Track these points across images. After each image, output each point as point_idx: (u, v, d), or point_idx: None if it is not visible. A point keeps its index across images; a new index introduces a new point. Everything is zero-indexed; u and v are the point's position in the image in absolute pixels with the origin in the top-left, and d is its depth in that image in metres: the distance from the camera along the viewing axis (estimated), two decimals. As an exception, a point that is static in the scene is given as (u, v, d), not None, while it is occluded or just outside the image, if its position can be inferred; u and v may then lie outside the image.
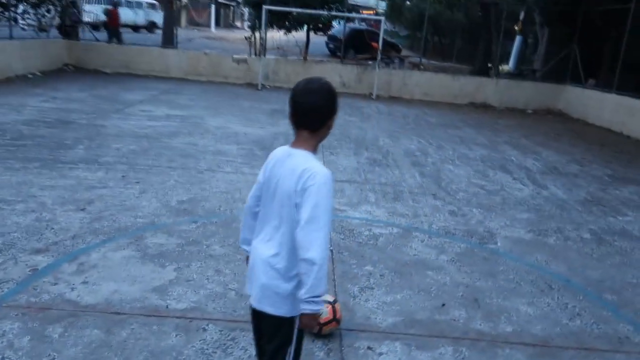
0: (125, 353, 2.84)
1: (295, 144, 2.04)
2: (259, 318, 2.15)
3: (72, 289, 3.41)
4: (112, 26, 18.35)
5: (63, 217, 4.51)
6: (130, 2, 28.47)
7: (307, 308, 1.93)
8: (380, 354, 3.05)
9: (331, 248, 4.29)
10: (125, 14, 25.56)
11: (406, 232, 4.95)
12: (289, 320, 2.06)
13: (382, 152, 8.16)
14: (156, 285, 3.56)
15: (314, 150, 2.04)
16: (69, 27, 16.44)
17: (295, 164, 1.97)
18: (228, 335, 3.07)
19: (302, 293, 1.91)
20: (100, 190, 5.26)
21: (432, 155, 8.32)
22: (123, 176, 5.78)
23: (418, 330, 3.33)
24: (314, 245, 1.88)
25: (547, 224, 5.53)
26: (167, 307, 3.31)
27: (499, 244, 4.88)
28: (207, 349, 2.94)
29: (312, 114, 2.00)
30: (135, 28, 28.77)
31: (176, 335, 3.04)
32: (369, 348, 3.10)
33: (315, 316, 1.99)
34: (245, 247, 2.29)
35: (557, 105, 15.59)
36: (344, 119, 10.99)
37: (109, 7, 19.77)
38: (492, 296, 3.86)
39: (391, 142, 9.00)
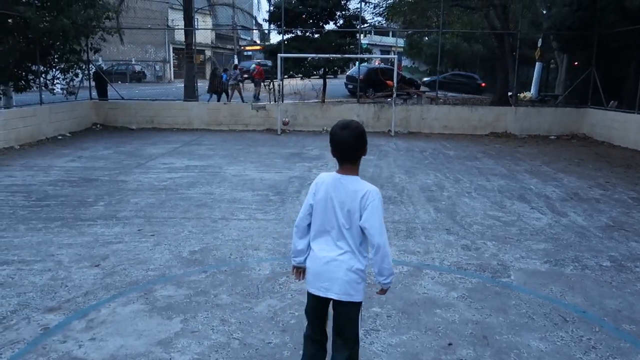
0: (126, 409, 2.87)
1: (344, 172, 2.61)
2: (333, 306, 2.69)
3: (80, 346, 3.49)
4: (256, 79, 22.50)
5: (77, 275, 4.65)
6: None
7: (388, 283, 2.69)
8: (382, 399, 3.00)
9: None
10: None
11: (416, 270, 4.90)
12: (359, 304, 2.69)
13: (397, 189, 8.15)
14: (162, 338, 3.60)
15: (358, 174, 2.63)
16: (235, 84, 19.55)
17: (356, 188, 2.55)
18: (228, 386, 3.08)
19: (384, 276, 2.63)
20: (115, 246, 5.41)
21: (449, 189, 8.26)
22: (139, 230, 5.93)
23: (423, 372, 3.27)
24: (387, 247, 2.55)
25: (564, 254, 5.39)
26: (170, 360, 3.35)
27: (512, 277, 4.77)
28: (206, 401, 2.94)
29: (353, 152, 2.59)
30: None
31: (177, 389, 3.05)
32: (370, 393, 3.04)
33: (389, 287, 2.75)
34: (299, 259, 2.78)
35: (580, 129, 15.35)
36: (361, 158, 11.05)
37: (255, 64, 26.11)
38: (503, 332, 3.76)
39: (407, 179, 8.99)
